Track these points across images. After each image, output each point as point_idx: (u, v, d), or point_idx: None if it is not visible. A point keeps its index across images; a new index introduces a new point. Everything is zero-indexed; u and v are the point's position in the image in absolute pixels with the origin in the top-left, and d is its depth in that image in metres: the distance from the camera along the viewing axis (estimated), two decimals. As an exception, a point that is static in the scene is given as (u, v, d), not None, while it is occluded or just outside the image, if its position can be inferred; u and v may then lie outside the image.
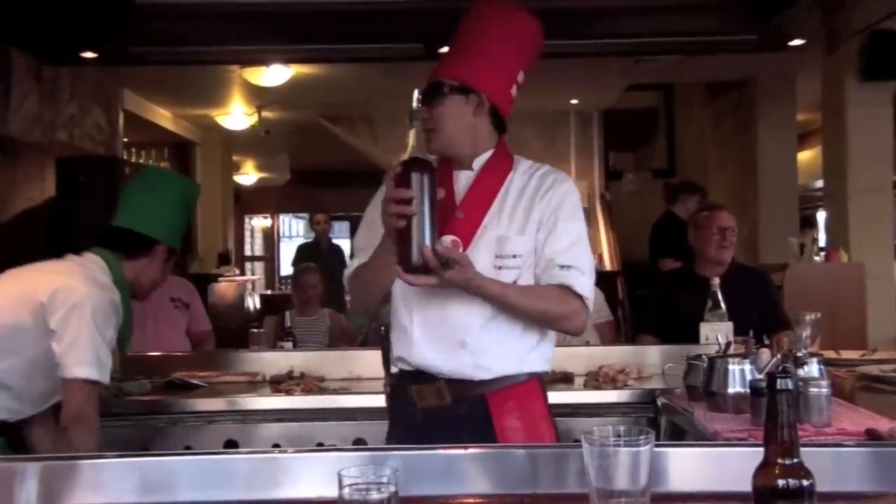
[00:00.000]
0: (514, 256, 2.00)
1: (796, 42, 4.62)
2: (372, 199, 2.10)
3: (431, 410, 2.01)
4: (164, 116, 8.44)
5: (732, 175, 7.93)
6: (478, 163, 2.07)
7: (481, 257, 1.96)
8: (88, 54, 4.66)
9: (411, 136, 1.80)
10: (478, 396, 2.00)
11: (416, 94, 1.88)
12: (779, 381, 1.13)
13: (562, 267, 1.97)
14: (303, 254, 7.94)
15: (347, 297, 2.41)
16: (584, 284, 1.98)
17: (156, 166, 7.88)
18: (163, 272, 2.56)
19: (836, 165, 5.58)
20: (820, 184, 6.51)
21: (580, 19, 4.42)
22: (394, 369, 2.12)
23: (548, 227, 2.00)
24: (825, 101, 5.72)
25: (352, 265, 2.11)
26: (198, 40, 4.55)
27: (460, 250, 1.92)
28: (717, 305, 3.19)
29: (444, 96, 2.00)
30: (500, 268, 1.98)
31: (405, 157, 1.78)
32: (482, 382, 2.00)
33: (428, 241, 1.75)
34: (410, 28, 4.45)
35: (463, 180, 2.06)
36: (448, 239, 1.94)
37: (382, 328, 2.28)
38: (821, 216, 7.70)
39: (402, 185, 1.74)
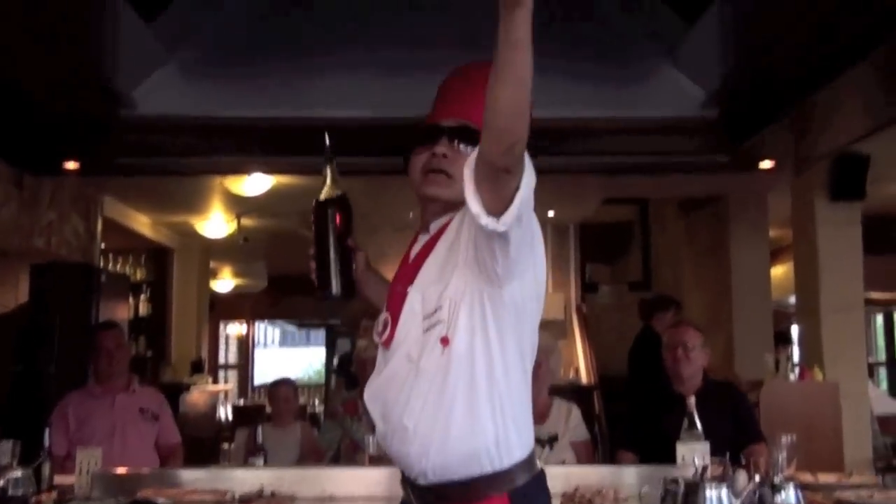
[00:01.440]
0: (437, 310, 1.76)
1: (766, 164, 4.74)
2: None
3: None
4: (143, 223, 8.46)
5: (707, 289, 8.01)
6: (436, 225, 1.92)
7: (411, 330, 1.80)
8: (71, 165, 4.70)
9: (326, 175, 2.03)
10: None
11: (326, 135, 2.03)
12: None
13: None
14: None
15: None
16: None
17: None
18: None
19: (807, 283, 5.66)
20: (794, 299, 6.59)
21: (556, 137, 4.53)
22: None
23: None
24: (795, 220, 5.84)
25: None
26: (180, 152, 4.61)
27: (387, 334, 1.85)
28: (692, 425, 3.18)
29: (475, 144, 1.67)
30: (427, 330, 1.76)
31: (320, 197, 2.03)
32: (445, 489, 1.75)
33: (336, 272, 1.99)
34: (391, 142, 4.54)
35: (417, 248, 1.94)
36: (382, 316, 1.90)
37: None
38: (795, 331, 7.75)
39: (319, 220, 2.01)
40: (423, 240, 1.93)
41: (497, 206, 1.58)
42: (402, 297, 1.84)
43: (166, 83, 4.32)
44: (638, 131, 4.42)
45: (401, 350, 1.82)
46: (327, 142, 2.03)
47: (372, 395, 1.88)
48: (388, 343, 1.86)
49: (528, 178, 1.60)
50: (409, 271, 1.89)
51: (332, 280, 1.99)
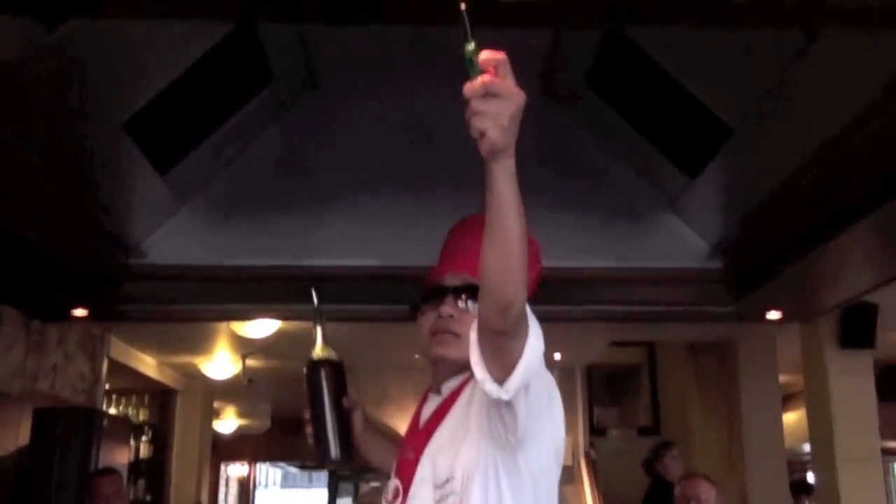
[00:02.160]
0: (448, 480, 1.71)
1: (773, 315, 4.74)
2: None
3: None
4: (147, 364, 8.43)
5: (718, 433, 7.87)
6: (447, 387, 1.89)
7: (424, 500, 1.75)
8: (79, 312, 4.73)
9: (317, 334, 2.00)
10: None
11: (314, 291, 2.03)
12: None
13: None
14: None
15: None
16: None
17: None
18: None
19: (822, 432, 5.57)
20: (808, 447, 6.46)
21: (560, 286, 4.55)
22: None
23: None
24: (806, 367, 5.80)
25: None
26: (187, 299, 4.64)
27: (401, 493, 1.80)
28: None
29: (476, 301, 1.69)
30: (439, 501, 1.71)
31: (313, 356, 1.99)
32: None
33: (334, 436, 1.95)
34: (396, 291, 4.56)
35: (428, 410, 1.90)
36: (392, 481, 1.86)
37: None
38: (812, 479, 7.57)
39: (313, 383, 1.96)
40: (434, 402, 1.90)
41: (501, 372, 1.53)
42: (414, 464, 1.80)
43: (176, 233, 4.38)
44: (642, 281, 4.43)
45: None
46: (315, 298, 2.02)
47: None
48: None
49: (535, 342, 1.55)
50: (420, 437, 1.84)
51: (331, 445, 1.96)
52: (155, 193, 4.09)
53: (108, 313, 4.74)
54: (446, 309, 1.85)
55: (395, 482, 1.85)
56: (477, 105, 1.30)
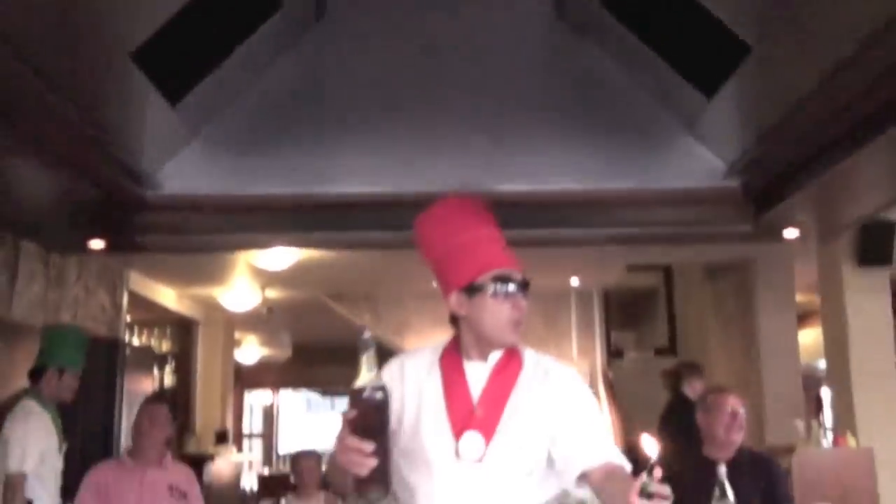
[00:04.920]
0: (530, 472, 2.01)
1: (791, 233, 4.71)
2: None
3: None
4: (167, 296, 8.51)
5: (734, 355, 7.91)
6: (494, 356, 2.09)
7: (501, 459, 1.98)
8: (96, 244, 4.75)
9: (363, 363, 1.76)
10: None
11: (367, 330, 1.88)
12: None
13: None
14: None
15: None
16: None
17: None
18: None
19: (837, 349, 5.59)
20: (823, 364, 6.50)
21: (578, 208, 4.55)
22: None
23: (574, 428, 2.03)
24: (823, 286, 5.79)
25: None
26: (204, 230, 4.65)
27: (484, 446, 1.97)
28: (723, 494, 3.11)
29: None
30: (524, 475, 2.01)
31: (361, 384, 1.75)
32: None
33: (386, 469, 1.77)
34: (412, 217, 4.57)
35: (474, 373, 2.07)
36: (469, 435, 1.97)
37: None
38: (826, 395, 7.63)
39: (367, 414, 1.74)
40: (480, 368, 2.08)
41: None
42: (493, 426, 2.00)
43: (190, 163, 4.39)
44: (660, 202, 4.42)
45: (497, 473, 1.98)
46: (366, 335, 1.81)
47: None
48: (481, 459, 1.98)
49: None
50: (490, 401, 2.03)
51: (390, 480, 1.79)
52: (166, 124, 4.08)
53: (125, 245, 4.77)
54: (524, 303, 2.07)
55: (472, 432, 1.97)
56: None
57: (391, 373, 2.08)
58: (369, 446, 1.72)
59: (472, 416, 2.00)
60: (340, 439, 1.75)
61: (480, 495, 1.97)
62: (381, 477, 1.75)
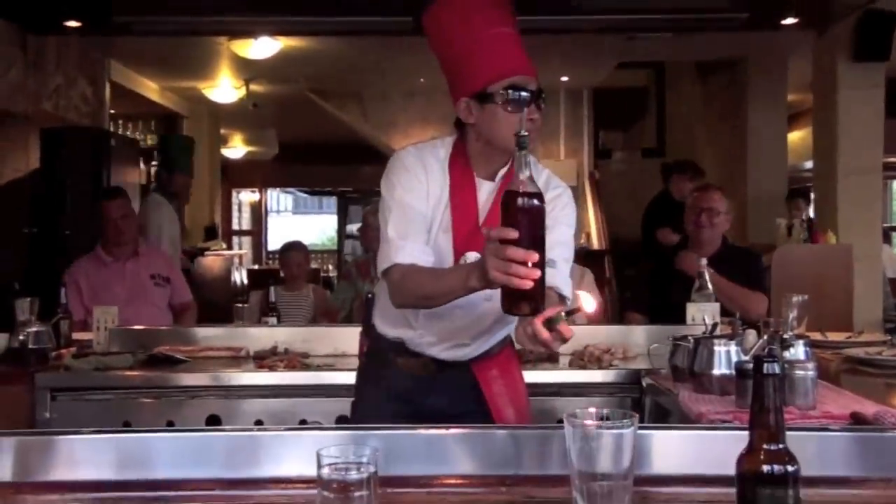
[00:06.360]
0: None
1: (788, 20, 4.58)
2: (389, 180, 1.98)
3: (416, 374, 2.09)
4: (151, 88, 8.35)
5: (722, 154, 7.92)
6: (500, 175, 2.01)
7: None
8: (72, 23, 4.59)
9: (522, 164, 1.54)
10: (464, 366, 2.09)
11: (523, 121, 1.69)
12: (765, 365, 1.12)
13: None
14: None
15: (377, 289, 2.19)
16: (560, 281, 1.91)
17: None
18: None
19: (825, 147, 5.58)
20: (810, 164, 6.50)
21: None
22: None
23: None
24: (816, 82, 5.70)
25: (395, 258, 1.91)
26: (183, 10, 4.48)
27: None
28: (703, 286, 3.19)
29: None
30: None
31: (518, 186, 1.52)
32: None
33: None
34: (399, 1, 4.40)
35: (484, 191, 2.00)
36: (472, 255, 1.90)
37: (370, 294, 2.26)
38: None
39: (532, 221, 1.52)
40: (488, 187, 2.00)
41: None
42: None
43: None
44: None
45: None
46: (524, 131, 1.60)
47: (467, 324, 2.02)
48: None
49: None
50: (493, 220, 1.88)
51: (543, 294, 1.57)
52: None
53: (101, 25, 4.60)
54: (536, 115, 1.92)
55: (474, 254, 1.88)
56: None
57: (412, 165, 1.97)
58: (534, 256, 1.51)
59: (476, 235, 1.92)
60: (495, 251, 1.54)
61: (477, 311, 1.97)
62: (541, 290, 1.55)
